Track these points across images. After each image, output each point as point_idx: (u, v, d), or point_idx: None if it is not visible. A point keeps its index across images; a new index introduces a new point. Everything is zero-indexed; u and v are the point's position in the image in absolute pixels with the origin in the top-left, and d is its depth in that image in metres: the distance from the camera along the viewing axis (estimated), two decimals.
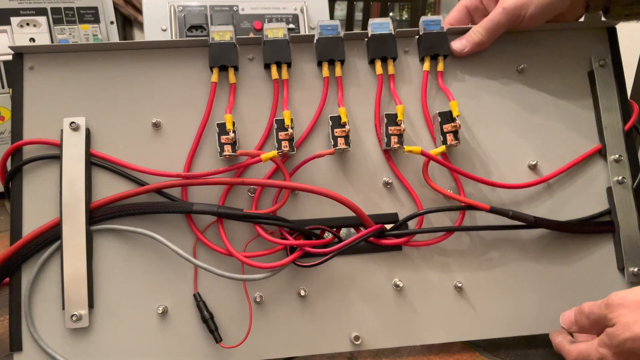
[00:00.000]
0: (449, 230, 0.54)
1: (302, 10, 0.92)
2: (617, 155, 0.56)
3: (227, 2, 0.86)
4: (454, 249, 0.55)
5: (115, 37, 0.86)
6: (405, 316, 0.54)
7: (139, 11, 0.89)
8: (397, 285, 0.54)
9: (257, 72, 0.56)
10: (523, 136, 0.57)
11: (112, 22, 0.85)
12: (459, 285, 0.54)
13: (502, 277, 0.55)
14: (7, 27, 0.76)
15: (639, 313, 0.42)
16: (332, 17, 1.32)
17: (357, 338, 0.53)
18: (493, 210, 0.53)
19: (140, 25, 0.91)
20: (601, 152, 0.57)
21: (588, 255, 0.56)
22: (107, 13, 0.85)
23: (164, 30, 0.84)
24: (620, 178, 0.56)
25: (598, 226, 0.56)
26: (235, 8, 0.86)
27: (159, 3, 0.85)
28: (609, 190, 0.57)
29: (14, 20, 0.77)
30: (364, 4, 1.05)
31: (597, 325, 0.46)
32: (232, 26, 0.56)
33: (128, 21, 0.96)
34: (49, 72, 0.54)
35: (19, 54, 0.54)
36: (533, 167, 0.57)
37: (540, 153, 0.57)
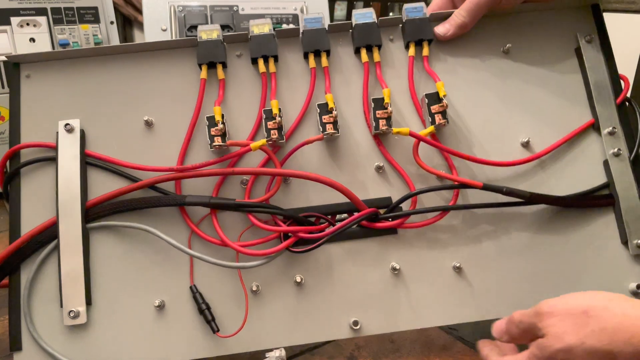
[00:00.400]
0: (444, 210, 0.54)
1: (302, 10, 0.93)
2: (610, 128, 0.56)
3: (227, 2, 0.87)
4: (451, 230, 0.55)
5: (115, 37, 0.86)
6: (404, 300, 0.53)
7: (139, 11, 0.90)
8: (394, 269, 0.53)
9: (246, 68, 0.57)
10: (514, 115, 0.57)
11: (112, 22, 0.86)
12: (458, 265, 0.53)
13: (501, 256, 0.54)
14: (7, 27, 0.77)
15: (570, 322, 0.40)
16: (332, 17, 1.31)
17: (356, 323, 0.52)
18: (486, 187, 0.53)
19: (140, 25, 0.91)
20: (594, 126, 0.57)
21: (589, 230, 0.55)
22: (107, 13, 0.86)
23: (164, 30, 0.85)
24: (616, 150, 0.55)
25: (597, 200, 0.55)
26: (235, 8, 0.86)
27: (159, 3, 0.86)
28: (606, 163, 0.56)
29: (14, 20, 0.78)
30: (364, 4, 1.06)
31: (527, 335, 0.44)
32: (219, 25, 0.58)
33: (128, 21, 0.96)
34: (44, 79, 0.56)
35: (16, 63, 0.56)
36: (526, 145, 0.56)
37: (532, 130, 0.57)
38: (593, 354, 0.39)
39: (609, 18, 0.91)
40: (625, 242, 0.54)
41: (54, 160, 0.54)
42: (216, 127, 0.53)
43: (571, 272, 0.54)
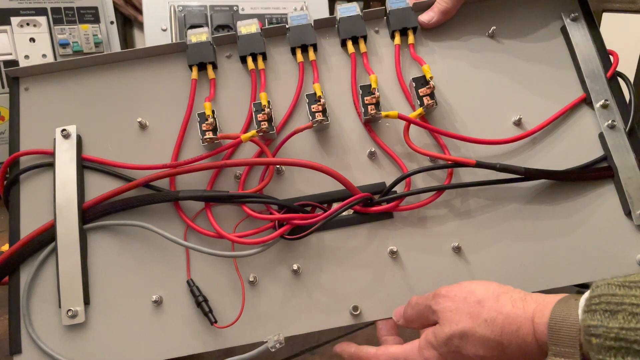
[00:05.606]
0: (438, 190, 0.53)
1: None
2: (603, 101, 0.55)
3: (227, 2, 0.87)
4: (447, 210, 0.54)
5: (115, 37, 0.87)
6: (404, 283, 0.52)
7: (139, 11, 0.90)
8: (392, 252, 0.52)
9: (236, 69, 0.59)
10: (503, 95, 0.57)
11: (112, 22, 0.86)
12: (457, 245, 0.52)
13: (500, 234, 0.53)
14: (7, 27, 0.77)
15: (464, 310, 0.41)
16: None
17: (355, 308, 0.51)
18: (480, 165, 0.52)
19: (140, 25, 0.91)
20: (586, 101, 0.56)
21: (590, 204, 0.54)
22: (107, 13, 0.86)
23: (164, 30, 0.85)
24: (610, 122, 0.54)
25: (595, 172, 0.54)
26: (235, 8, 0.87)
27: (159, 3, 0.86)
28: (601, 136, 0.55)
29: (14, 20, 0.78)
30: (364, 4, 1.07)
31: (421, 317, 0.45)
32: (207, 27, 0.59)
33: (128, 21, 0.97)
34: (41, 91, 0.58)
35: (15, 77, 0.59)
36: (518, 123, 0.56)
37: (524, 109, 0.56)
38: (485, 343, 0.39)
39: (609, 18, 0.91)
40: (628, 213, 0.53)
41: (51, 165, 0.55)
42: (207, 122, 0.53)
43: (575, 247, 0.53)
